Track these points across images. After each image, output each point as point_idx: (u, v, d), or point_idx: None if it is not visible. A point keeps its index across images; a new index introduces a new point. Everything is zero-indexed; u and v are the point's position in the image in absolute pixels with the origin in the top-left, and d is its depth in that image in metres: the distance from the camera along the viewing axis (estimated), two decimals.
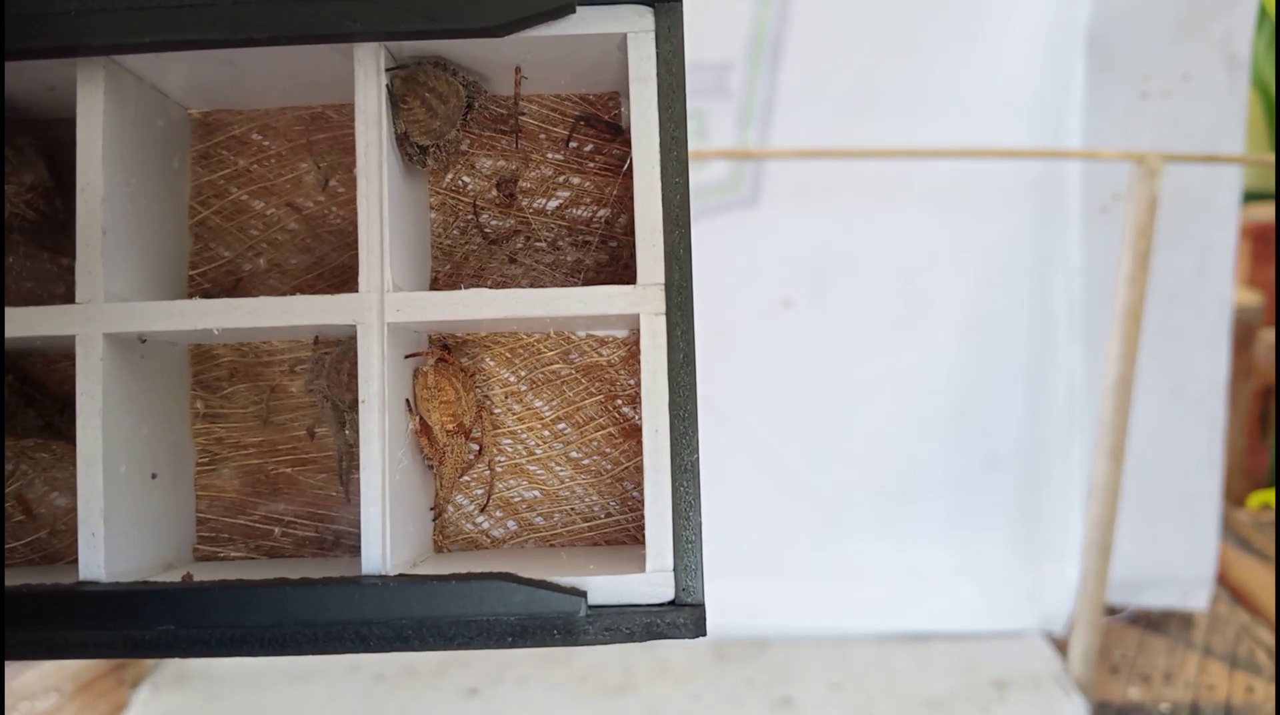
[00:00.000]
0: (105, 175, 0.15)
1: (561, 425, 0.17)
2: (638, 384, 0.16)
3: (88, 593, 0.14)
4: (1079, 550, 0.50)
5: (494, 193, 0.17)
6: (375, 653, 0.14)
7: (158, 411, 0.17)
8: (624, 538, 0.17)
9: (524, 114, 0.16)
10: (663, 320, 0.16)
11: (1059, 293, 0.54)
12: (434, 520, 0.16)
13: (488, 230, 0.17)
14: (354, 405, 0.16)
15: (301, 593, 0.14)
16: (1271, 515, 0.75)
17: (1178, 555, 0.59)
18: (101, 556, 0.15)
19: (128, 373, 0.15)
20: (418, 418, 0.15)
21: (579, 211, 0.17)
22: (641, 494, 0.15)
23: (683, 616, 0.14)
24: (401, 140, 0.15)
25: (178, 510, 0.18)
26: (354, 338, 0.15)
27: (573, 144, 0.16)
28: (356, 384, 0.15)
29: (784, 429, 0.55)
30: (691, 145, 0.53)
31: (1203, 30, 0.53)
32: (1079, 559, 0.50)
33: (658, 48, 0.15)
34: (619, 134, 0.16)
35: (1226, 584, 0.65)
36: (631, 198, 0.15)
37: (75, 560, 0.16)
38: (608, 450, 0.17)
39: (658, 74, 0.15)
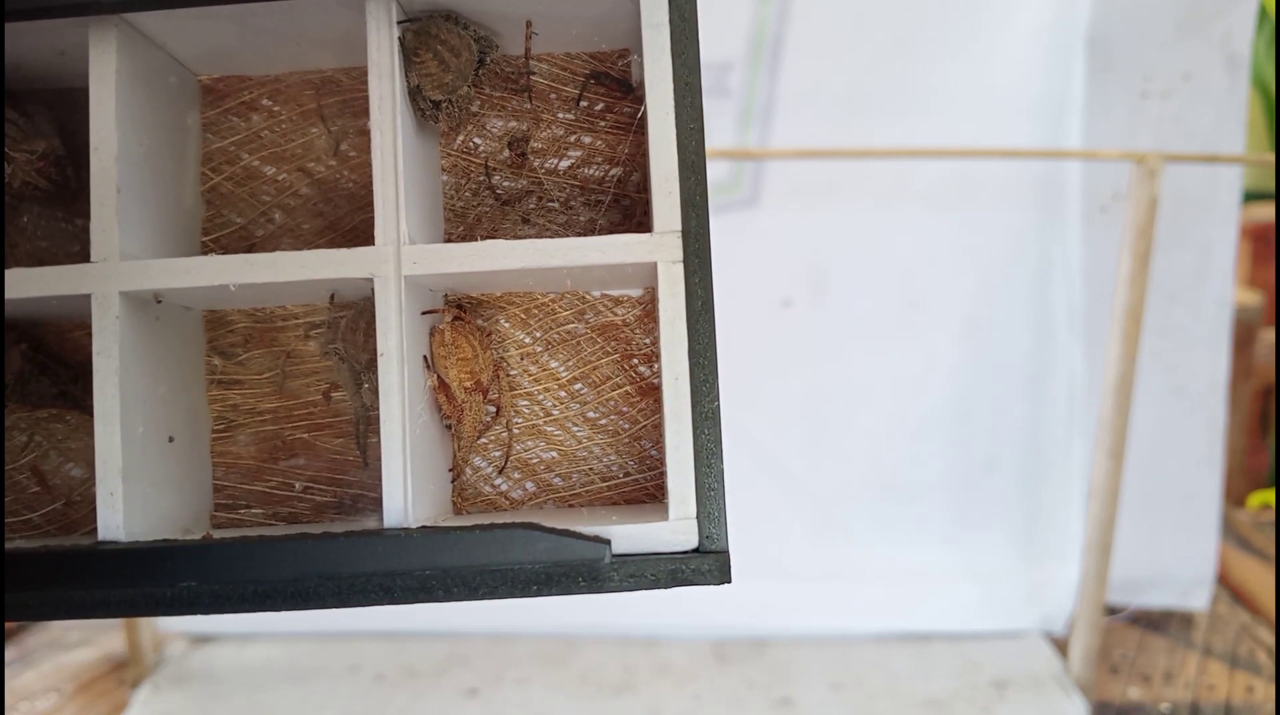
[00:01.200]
0: (119, 134, 0.15)
1: (578, 385, 0.17)
2: (654, 343, 0.16)
3: (107, 551, 0.14)
4: (1079, 550, 0.50)
5: (505, 153, 0.17)
6: (399, 604, 0.14)
7: (174, 375, 0.16)
8: (643, 496, 0.16)
9: (534, 73, 0.15)
10: (680, 267, 0.15)
11: (1059, 293, 0.54)
12: (452, 481, 0.16)
13: (500, 191, 0.16)
14: (370, 366, 0.16)
15: (324, 545, 0.14)
16: (1271, 515, 0.75)
17: (1178, 555, 0.59)
18: (120, 516, 0.14)
19: (144, 334, 0.15)
20: (435, 375, 0.15)
21: (591, 171, 0.16)
22: (660, 453, 0.15)
23: (707, 563, 0.14)
24: (414, 94, 0.15)
25: (195, 475, 0.17)
26: (370, 298, 0.14)
27: (583, 103, 0.16)
28: (373, 345, 0.15)
29: (784, 429, 0.55)
30: None
31: (1203, 30, 0.53)
32: (1079, 559, 0.50)
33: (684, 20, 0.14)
34: (630, 91, 0.16)
35: (1227, 584, 0.65)
36: (643, 156, 0.15)
37: (92, 530, 0.15)
38: (625, 409, 0.16)
39: (670, 20, 0.15)
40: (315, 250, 0.14)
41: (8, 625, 0.60)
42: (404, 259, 0.14)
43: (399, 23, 0.14)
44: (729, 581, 0.15)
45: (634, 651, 0.54)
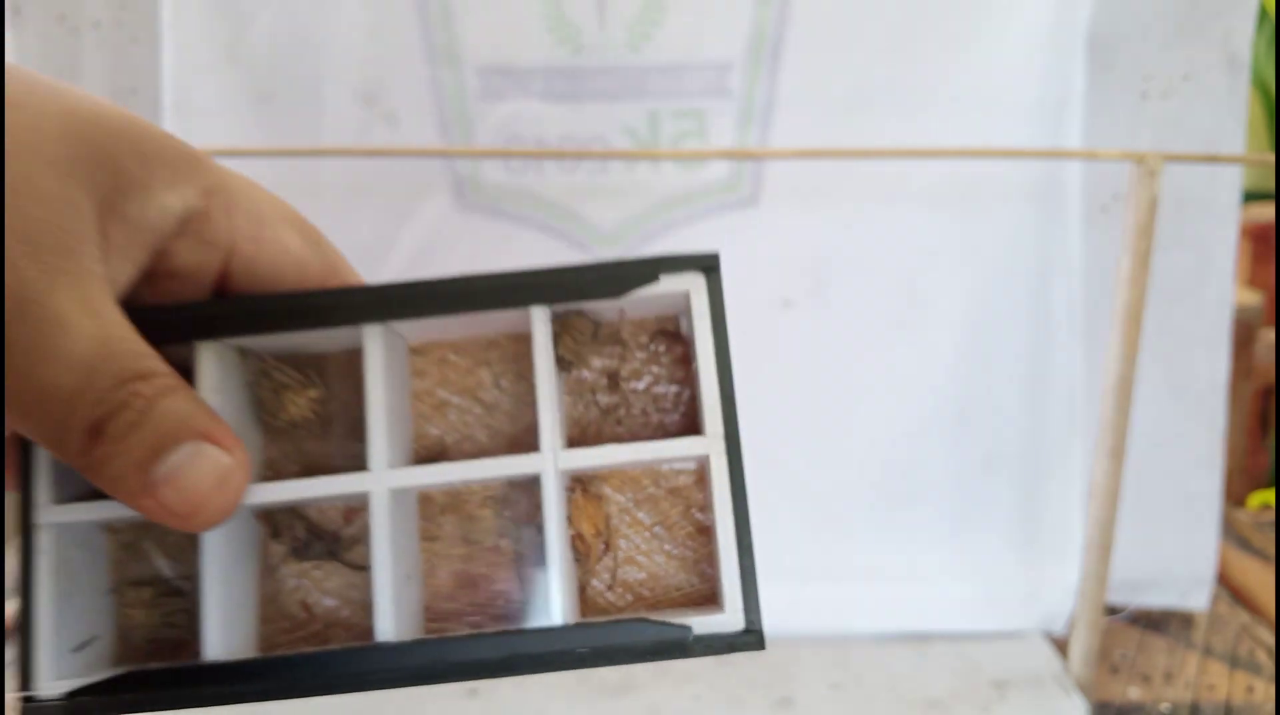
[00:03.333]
0: (384, 384, 0.23)
1: (657, 528, 0.25)
2: (705, 497, 0.24)
3: (390, 645, 0.22)
4: (1079, 550, 0.50)
5: (604, 382, 0.26)
6: (561, 670, 0.21)
7: (410, 536, 0.25)
8: (702, 600, 0.24)
9: (623, 333, 0.26)
10: (724, 459, 0.23)
11: (1059, 293, 0.54)
12: (580, 595, 0.25)
13: (601, 405, 0.26)
14: (528, 524, 0.25)
15: (515, 637, 0.22)
16: (1271, 515, 0.75)
17: (1178, 555, 0.59)
18: (392, 623, 0.22)
19: (394, 511, 0.23)
20: (574, 528, 0.24)
21: (659, 389, 0.26)
22: (714, 570, 0.23)
23: (752, 638, 0.21)
24: (558, 360, 0.24)
25: (419, 601, 0.26)
26: (535, 481, 0.23)
27: (652, 348, 0.26)
28: (532, 510, 0.25)
29: (784, 429, 0.55)
30: (692, 145, 0.54)
31: (1203, 31, 0.53)
32: (1079, 559, 0.50)
33: (709, 298, 0.23)
34: (680, 339, 0.26)
35: (1226, 584, 0.65)
36: (694, 382, 0.24)
37: (346, 646, 0.23)
38: (689, 543, 0.25)
39: (711, 312, 0.23)
40: (505, 457, 0.23)
41: (8, 623, 0.60)
42: (560, 459, 0.23)
43: (551, 319, 0.24)
44: (764, 649, 0.21)
45: None
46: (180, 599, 0.24)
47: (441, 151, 0.48)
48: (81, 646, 0.23)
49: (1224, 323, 0.56)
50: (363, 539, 0.24)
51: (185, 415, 0.20)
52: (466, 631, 0.23)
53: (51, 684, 0.21)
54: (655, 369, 0.25)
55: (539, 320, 0.23)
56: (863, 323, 0.54)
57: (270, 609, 0.25)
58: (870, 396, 0.55)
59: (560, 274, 0.22)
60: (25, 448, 0.22)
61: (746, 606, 0.21)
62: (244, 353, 0.24)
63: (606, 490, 0.25)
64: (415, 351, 0.25)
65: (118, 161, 0.20)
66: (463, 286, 0.23)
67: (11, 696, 0.21)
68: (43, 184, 0.19)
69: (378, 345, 0.23)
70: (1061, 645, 0.54)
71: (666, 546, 0.24)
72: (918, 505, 0.56)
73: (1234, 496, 0.83)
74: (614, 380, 0.25)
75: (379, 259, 0.54)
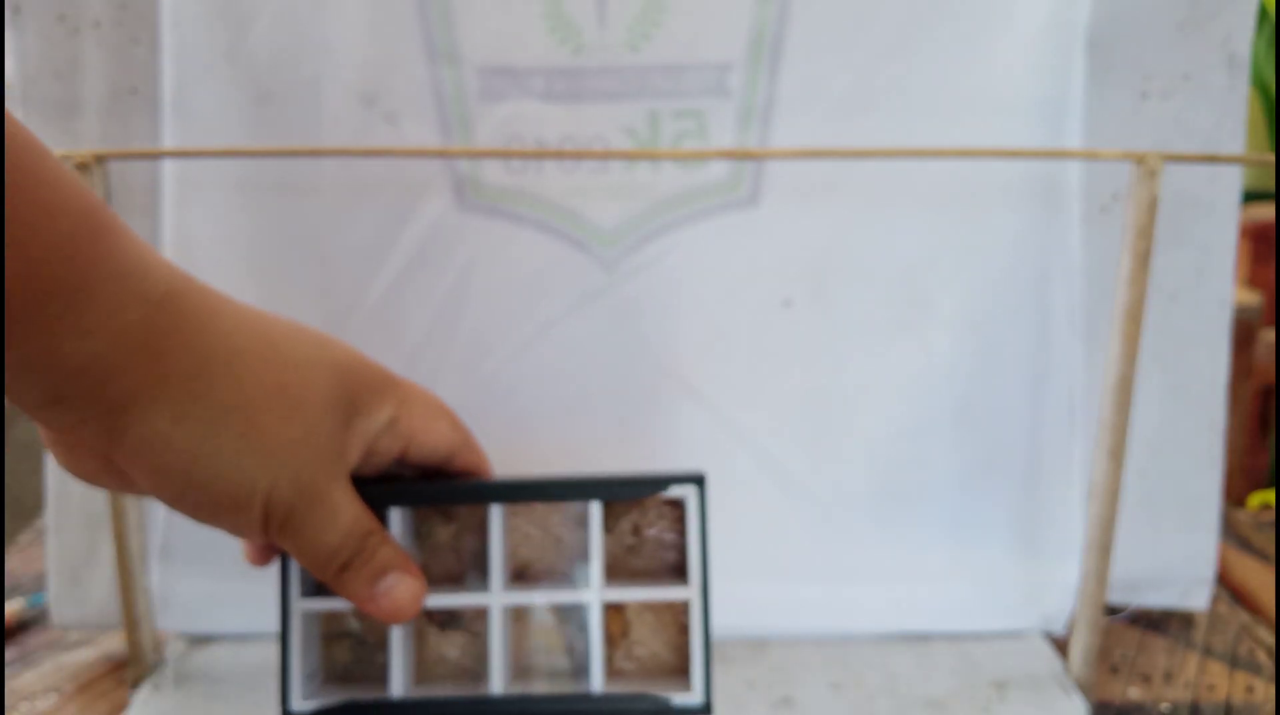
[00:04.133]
0: (499, 536, 0.38)
1: (656, 628, 0.39)
2: (686, 614, 0.37)
3: (498, 697, 0.37)
4: (1079, 550, 0.50)
5: (630, 530, 0.39)
6: None
7: (508, 625, 0.38)
8: (681, 671, 0.37)
9: (645, 502, 0.39)
10: (699, 601, 0.37)
11: (1059, 292, 0.54)
12: (608, 665, 0.38)
13: (626, 545, 0.39)
14: (578, 624, 0.39)
15: (569, 698, 0.36)
16: (1272, 515, 0.75)
17: (1178, 555, 0.59)
18: (500, 681, 0.37)
19: (504, 613, 0.37)
20: (605, 629, 0.37)
21: (665, 537, 0.39)
22: (688, 658, 0.37)
23: (706, 709, 0.36)
24: (606, 530, 0.38)
25: (511, 664, 0.39)
26: (587, 604, 0.37)
27: (662, 510, 0.39)
28: (581, 616, 0.39)
29: (784, 429, 0.55)
30: (692, 145, 0.54)
31: (1203, 31, 0.53)
32: (1079, 559, 0.50)
33: (698, 501, 0.37)
34: (680, 506, 0.38)
35: (1227, 584, 0.65)
36: (685, 536, 0.38)
37: (476, 695, 0.37)
38: (676, 638, 0.38)
39: (699, 510, 0.37)
40: (568, 591, 0.38)
41: (8, 623, 0.60)
42: (602, 595, 0.37)
43: (603, 506, 0.37)
44: None
45: None
46: (365, 648, 0.39)
47: (441, 152, 0.48)
48: (311, 677, 0.37)
49: (1224, 323, 0.56)
50: (479, 618, 0.38)
51: (393, 557, 0.33)
52: (539, 688, 0.37)
53: (301, 703, 0.36)
54: (662, 523, 0.38)
55: (594, 509, 0.37)
56: (863, 322, 0.54)
57: (420, 656, 0.38)
58: (870, 396, 0.55)
59: (608, 486, 0.36)
60: (284, 562, 0.36)
61: (705, 688, 0.36)
62: (414, 508, 0.38)
63: (628, 603, 0.38)
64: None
65: (355, 395, 0.32)
66: (550, 489, 0.36)
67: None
68: (322, 421, 0.31)
69: (497, 513, 0.36)
70: (1061, 645, 0.54)
71: (661, 637, 0.39)
72: (917, 505, 0.56)
73: (1234, 496, 0.83)
74: (636, 529, 0.38)
75: (380, 258, 0.54)
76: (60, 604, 0.57)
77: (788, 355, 0.55)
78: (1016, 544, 0.56)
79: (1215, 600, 0.62)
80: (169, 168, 0.53)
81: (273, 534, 0.31)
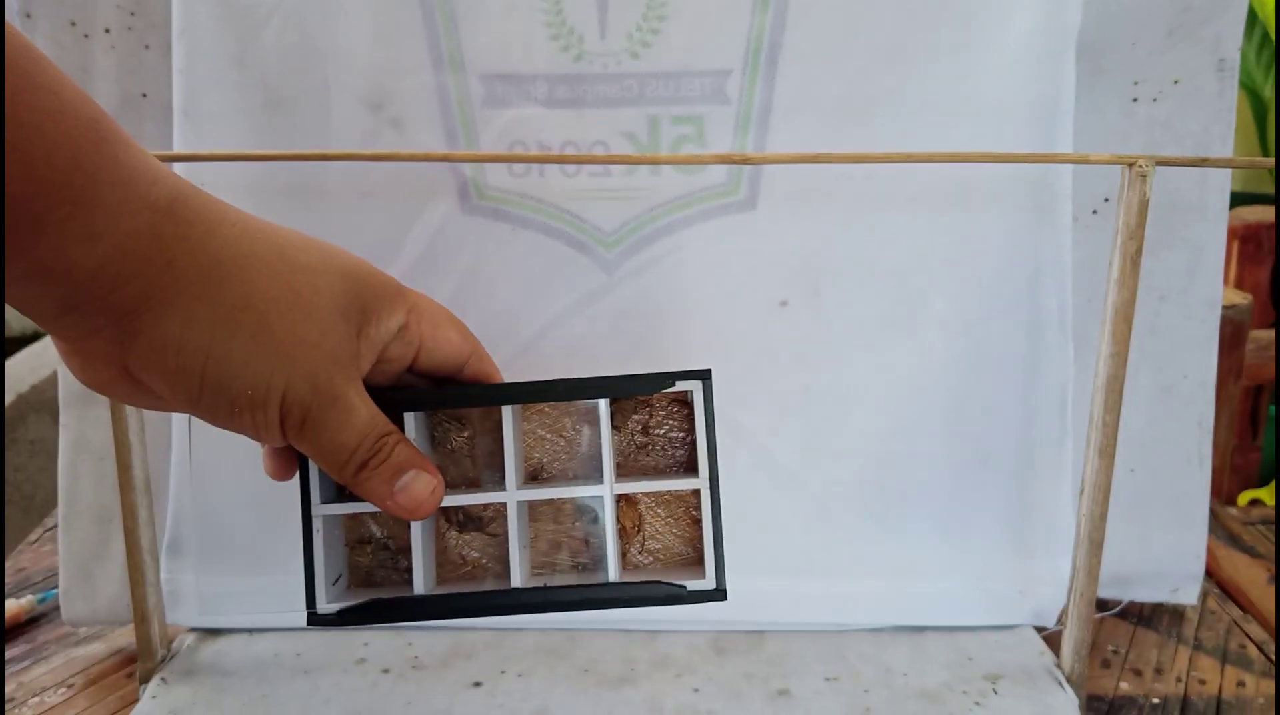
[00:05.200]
0: (513, 435, 0.38)
1: (669, 520, 0.40)
2: (698, 505, 0.38)
3: (519, 588, 0.37)
4: (1070, 546, 0.51)
5: (639, 428, 0.40)
6: (610, 609, 0.36)
7: (525, 521, 0.39)
8: (695, 563, 0.39)
9: (652, 400, 0.39)
10: (708, 490, 0.37)
11: (1051, 293, 0.54)
12: (622, 558, 0.39)
13: (637, 443, 0.40)
14: (592, 517, 0.40)
15: (587, 587, 0.37)
16: (1260, 512, 0.76)
17: (1168, 551, 0.59)
18: (519, 574, 0.37)
19: (519, 510, 0.38)
20: (619, 522, 0.38)
21: (674, 434, 0.40)
22: (700, 548, 0.38)
23: (719, 594, 0.37)
24: (612, 423, 0.38)
25: (529, 559, 0.40)
26: (601, 500, 0.37)
27: (670, 408, 0.40)
28: (595, 509, 0.40)
29: (781, 427, 0.56)
30: (690, 150, 0.54)
31: (1192, 36, 0.54)
32: (1070, 555, 0.51)
33: (704, 395, 0.37)
34: (687, 404, 0.39)
35: (1216, 579, 0.66)
36: (693, 432, 0.38)
37: (494, 588, 0.37)
38: (688, 529, 0.40)
39: (704, 403, 0.37)
40: (580, 486, 0.38)
41: (17, 620, 0.61)
42: (614, 488, 0.37)
43: (610, 412, 0.38)
44: (726, 600, 0.36)
45: (635, 644, 0.55)
46: (387, 552, 0.39)
47: (446, 157, 0.49)
48: (335, 581, 0.37)
49: (1213, 323, 0.57)
50: (497, 519, 0.39)
51: (410, 455, 0.34)
52: (559, 582, 0.38)
53: (326, 605, 0.36)
54: (671, 421, 0.39)
55: (603, 407, 0.37)
56: (858, 323, 0.55)
57: (442, 559, 0.40)
58: (865, 395, 0.55)
59: (617, 382, 0.36)
60: (304, 466, 0.36)
61: (718, 575, 0.37)
62: (428, 412, 0.38)
63: (642, 500, 0.40)
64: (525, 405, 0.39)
65: (365, 302, 0.33)
66: (559, 388, 0.37)
67: (300, 615, 0.36)
68: (335, 325, 0.31)
69: (509, 413, 0.37)
70: (1054, 639, 0.55)
71: (674, 530, 0.40)
72: (912, 502, 0.56)
73: (1223, 494, 0.84)
74: (645, 428, 0.40)
75: (387, 259, 0.55)
76: (71, 599, 0.58)
77: (784, 355, 0.55)
78: (1009, 540, 0.57)
79: (1205, 596, 0.63)
80: (179, 172, 0.54)
81: (290, 434, 0.31)
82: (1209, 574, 0.65)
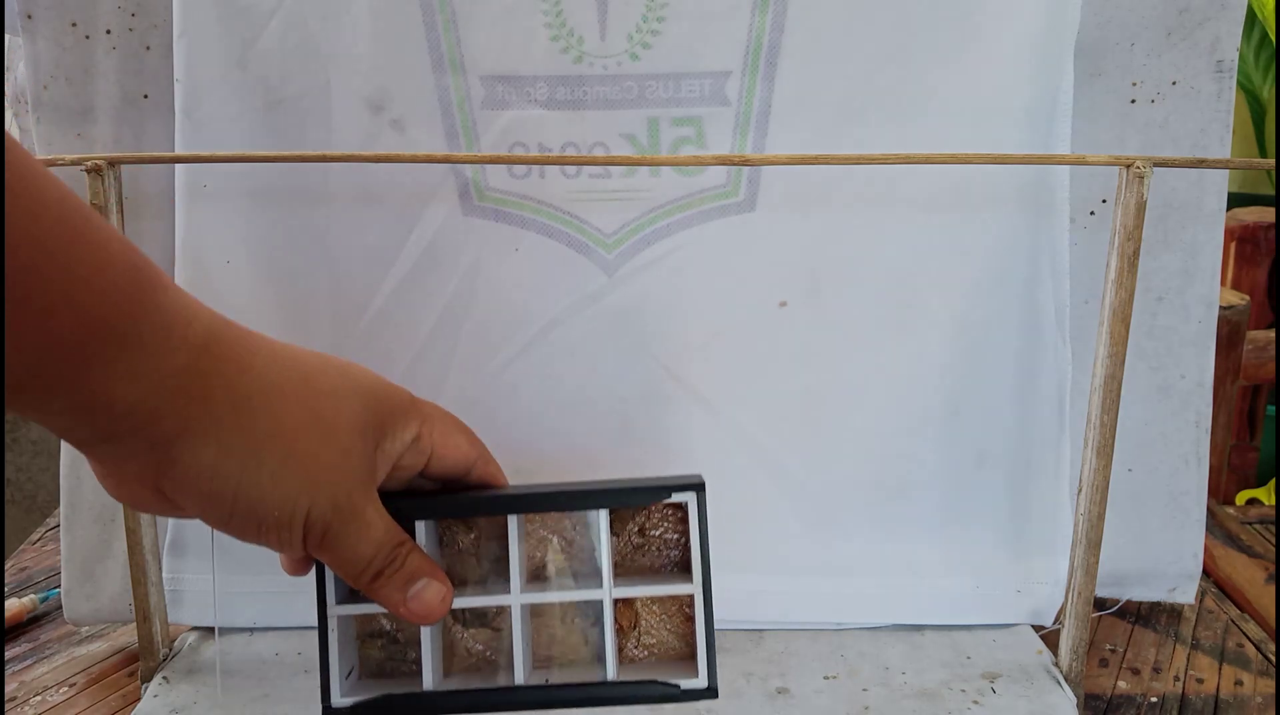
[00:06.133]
0: (518, 540, 0.40)
1: (664, 617, 0.42)
2: (691, 605, 0.40)
3: (521, 686, 0.39)
4: (1068, 545, 0.51)
5: (636, 531, 0.42)
6: (604, 706, 0.38)
7: (528, 620, 0.41)
8: (688, 657, 0.40)
9: (648, 507, 0.42)
10: (701, 594, 0.39)
11: (1048, 294, 0.54)
12: (619, 654, 0.41)
13: (634, 545, 0.42)
14: (593, 617, 0.42)
15: (587, 686, 0.39)
16: (1258, 512, 0.76)
17: (1166, 551, 0.59)
18: (521, 672, 0.39)
19: (524, 611, 0.40)
20: (616, 622, 0.40)
21: (669, 536, 0.42)
22: (693, 644, 0.40)
23: (711, 693, 0.38)
24: (611, 529, 0.40)
25: (531, 653, 0.42)
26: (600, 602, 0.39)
27: (665, 512, 0.42)
28: (595, 610, 0.41)
29: (780, 426, 0.56)
30: (690, 152, 0.54)
31: (1190, 37, 0.54)
32: (1068, 554, 0.51)
33: (697, 505, 0.39)
34: (681, 509, 0.41)
35: (1214, 579, 0.66)
36: (687, 536, 0.40)
37: (500, 686, 0.39)
38: (681, 626, 0.41)
39: (698, 513, 0.39)
40: (582, 591, 0.40)
41: (20, 619, 0.61)
42: (612, 592, 0.39)
43: (609, 520, 0.40)
44: (717, 698, 0.39)
45: None
46: (396, 645, 0.41)
47: (447, 158, 0.49)
48: (348, 675, 0.39)
49: (1210, 323, 0.57)
50: (502, 614, 0.41)
51: (422, 564, 0.36)
52: (560, 677, 0.40)
53: (340, 699, 0.38)
54: (667, 523, 0.41)
55: (601, 517, 0.39)
56: (857, 323, 0.55)
57: (448, 652, 0.41)
58: (864, 395, 0.56)
59: (616, 494, 0.39)
60: (320, 569, 0.38)
61: (709, 674, 0.38)
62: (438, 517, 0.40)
63: (637, 602, 0.41)
64: None
65: (382, 419, 0.35)
66: (561, 500, 0.39)
67: (314, 710, 0.38)
68: (354, 444, 0.34)
69: (514, 522, 0.39)
70: (1051, 638, 0.55)
71: (668, 626, 0.42)
72: (910, 501, 0.56)
73: (1221, 494, 0.85)
74: (642, 530, 0.42)
75: (388, 260, 0.55)
76: (73, 598, 0.58)
77: (784, 355, 0.56)
78: (1007, 539, 0.57)
79: (1203, 595, 0.63)
80: (181, 173, 0.54)
81: (312, 548, 0.34)
82: (1206, 573, 0.66)
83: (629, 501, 0.39)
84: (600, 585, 0.39)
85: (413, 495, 0.38)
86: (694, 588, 0.39)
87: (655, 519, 0.41)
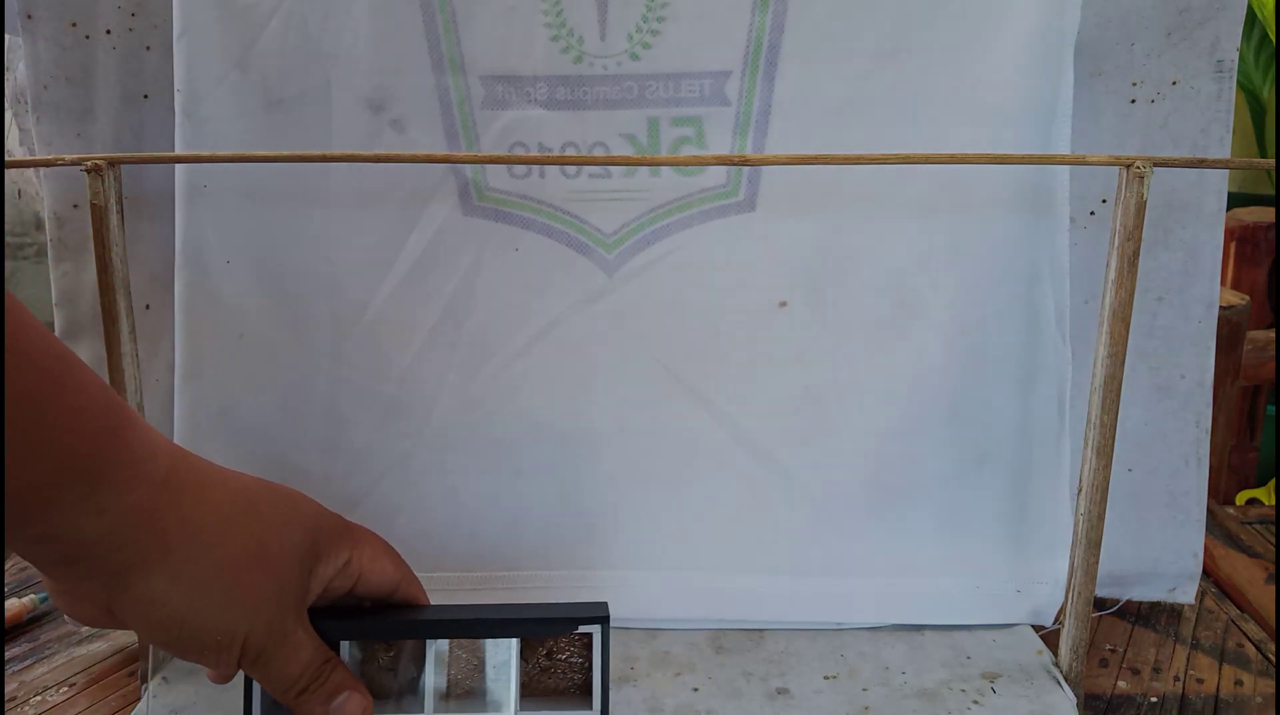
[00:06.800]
0: (434, 661, 0.43)
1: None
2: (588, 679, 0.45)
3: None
4: (1068, 545, 0.51)
5: (543, 654, 0.45)
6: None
7: None
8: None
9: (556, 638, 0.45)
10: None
11: (1048, 294, 0.54)
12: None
13: (541, 667, 0.45)
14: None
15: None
16: (1258, 512, 0.76)
17: (1166, 551, 0.60)
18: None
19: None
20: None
21: (574, 660, 0.45)
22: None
23: None
24: (520, 654, 0.44)
25: None
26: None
27: (571, 639, 0.45)
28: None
29: (780, 426, 0.56)
30: (690, 152, 0.55)
31: (1190, 37, 0.54)
32: (1068, 554, 0.51)
33: (601, 635, 0.43)
34: (587, 637, 0.44)
35: (1214, 579, 0.66)
36: (591, 662, 0.44)
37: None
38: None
39: (601, 642, 0.44)
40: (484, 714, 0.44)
41: (19, 618, 0.61)
42: (520, 713, 0.44)
43: (519, 646, 0.44)
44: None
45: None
46: None
47: (447, 158, 0.49)
48: None
49: (1210, 323, 0.57)
50: None
51: (344, 679, 0.39)
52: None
53: None
54: (573, 648, 0.45)
55: (513, 644, 0.43)
56: (857, 323, 0.55)
57: None
58: (864, 395, 0.56)
59: (528, 625, 0.43)
60: (248, 685, 0.41)
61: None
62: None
63: None
64: None
65: (319, 547, 0.39)
66: (476, 628, 0.43)
67: None
68: (293, 572, 0.37)
69: (431, 646, 0.43)
70: (1051, 638, 0.55)
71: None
72: (910, 501, 0.56)
73: (1220, 494, 0.85)
74: (550, 654, 0.45)
75: (388, 260, 0.55)
76: None
77: (784, 355, 0.56)
78: (1007, 539, 0.57)
79: (1203, 595, 0.63)
80: (181, 173, 0.54)
81: (245, 667, 0.37)
82: (1206, 573, 0.66)
83: (539, 632, 0.43)
84: (509, 708, 0.43)
85: (339, 613, 0.42)
86: (593, 713, 0.43)
87: (563, 644, 0.45)
